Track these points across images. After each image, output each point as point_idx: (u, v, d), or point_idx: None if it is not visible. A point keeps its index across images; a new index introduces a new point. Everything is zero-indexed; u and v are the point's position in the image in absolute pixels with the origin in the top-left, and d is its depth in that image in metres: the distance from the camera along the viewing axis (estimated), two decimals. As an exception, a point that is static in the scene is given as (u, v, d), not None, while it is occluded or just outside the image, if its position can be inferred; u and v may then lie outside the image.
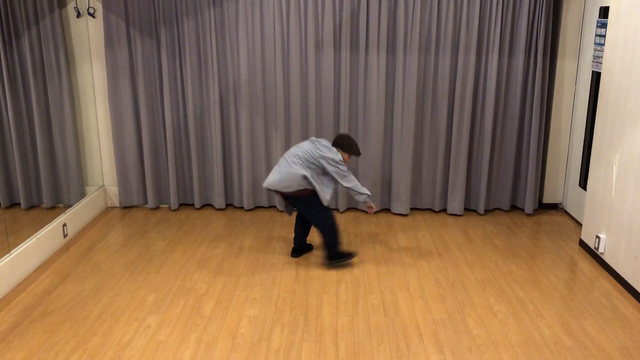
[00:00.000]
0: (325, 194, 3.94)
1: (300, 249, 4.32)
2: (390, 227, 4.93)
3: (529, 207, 5.17)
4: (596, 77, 4.72)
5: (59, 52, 4.68)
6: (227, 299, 3.67)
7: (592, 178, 4.33)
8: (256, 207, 5.39)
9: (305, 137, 5.12)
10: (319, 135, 5.09)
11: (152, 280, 3.92)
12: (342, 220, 5.04)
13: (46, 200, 4.54)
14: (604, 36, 4.45)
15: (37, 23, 4.38)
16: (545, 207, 5.40)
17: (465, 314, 3.50)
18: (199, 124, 5.14)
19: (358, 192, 4.00)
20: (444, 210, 5.34)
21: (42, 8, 4.44)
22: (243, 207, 5.35)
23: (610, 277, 3.99)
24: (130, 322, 3.39)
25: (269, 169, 5.24)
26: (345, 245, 4.51)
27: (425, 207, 5.33)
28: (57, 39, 4.64)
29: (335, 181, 4.00)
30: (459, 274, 4.04)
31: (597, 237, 4.19)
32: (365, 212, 5.26)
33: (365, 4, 4.74)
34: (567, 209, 5.29)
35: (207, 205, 5.44)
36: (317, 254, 4.34)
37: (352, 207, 5.33)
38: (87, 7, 4.91)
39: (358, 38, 4.87)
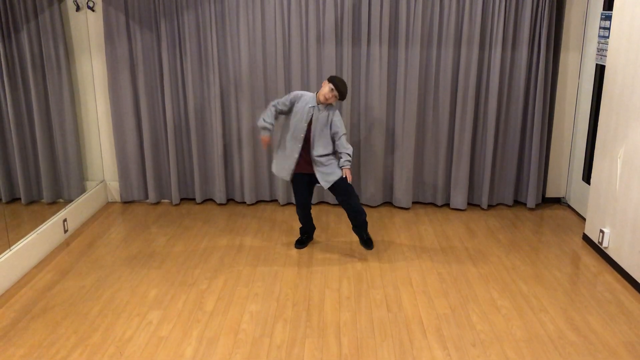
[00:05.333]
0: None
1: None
2: (392, 221, 4.90)
3: (532, 201, 5.14)
4: (600, 70, 4.68)
5: (59, 45, 4.64)
6: (229, 294, 3.65)
7: (596, 172, 4.29)
8: (258, 202, 5.36)
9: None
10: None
11: (153, 276, 3.90)
12: (341, 212, 5.01)
13: (46, 196, 4.51)
14: (609, 29, 4.41)
15: (36, 16, 4.34)
16: (548, 202, 5.37)
17: (468, 309, 3.47)
18: (200, 118, 5.11)
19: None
20: (447, 204, 5.31)
21: (41, 1, 4.40)
22: (244, 202, 5.33)
23: (615, 272, 3.97)
24: (132, 318, 3.37)
25: (270, 163, 5.21)
26: (346, 239, 4.49)
27: (427, 201, 5.30)
28: (56, 33, 4.60)
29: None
30: (462, 268, 4.02)
31: (601, 231, 4.16)
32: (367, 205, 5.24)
33: (367, -4, 4.71)
34: (570, 203, 5.26)
35: (208, 200, 5.41)
36: (320, 249, 4.31)
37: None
38: (86, 1, 4.86)
39: (360, 31, 4.82)
